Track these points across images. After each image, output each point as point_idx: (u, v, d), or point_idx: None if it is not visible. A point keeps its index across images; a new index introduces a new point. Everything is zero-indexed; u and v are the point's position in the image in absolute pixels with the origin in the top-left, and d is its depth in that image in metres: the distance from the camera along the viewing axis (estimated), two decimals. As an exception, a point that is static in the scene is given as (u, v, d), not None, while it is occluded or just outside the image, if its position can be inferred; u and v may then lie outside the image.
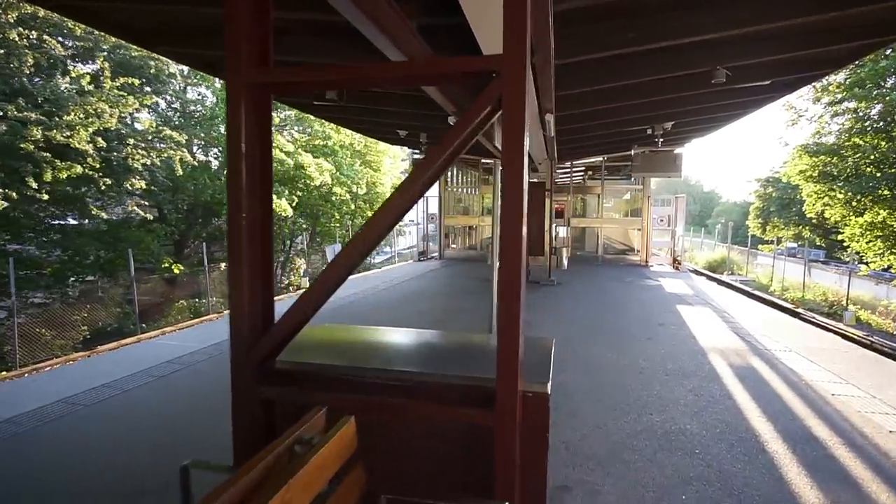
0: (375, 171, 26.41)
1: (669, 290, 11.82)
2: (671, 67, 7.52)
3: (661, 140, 12.20)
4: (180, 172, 16.52)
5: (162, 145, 16.15)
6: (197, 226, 20.67)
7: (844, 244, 20.60)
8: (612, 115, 10.73)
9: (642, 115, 10.33)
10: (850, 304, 17.64)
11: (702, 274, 20.06)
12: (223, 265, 17.42)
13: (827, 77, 15.72)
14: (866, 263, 19.05)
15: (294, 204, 19.53)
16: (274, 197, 2.32)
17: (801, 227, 42.08)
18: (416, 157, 19.03)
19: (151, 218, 17.35)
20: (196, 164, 18.36)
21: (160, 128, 16.58)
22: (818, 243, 42.32)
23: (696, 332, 7.53)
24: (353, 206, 24.05)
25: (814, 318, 14.21)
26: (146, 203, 16.95)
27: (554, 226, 17.72)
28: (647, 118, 10.91)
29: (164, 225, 18.72)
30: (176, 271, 17.46)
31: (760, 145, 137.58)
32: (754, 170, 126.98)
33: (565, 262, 12.25)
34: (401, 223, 17.48)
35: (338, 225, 25.43)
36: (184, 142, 16.96)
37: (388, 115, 10.39)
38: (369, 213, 28.95)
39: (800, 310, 15.48)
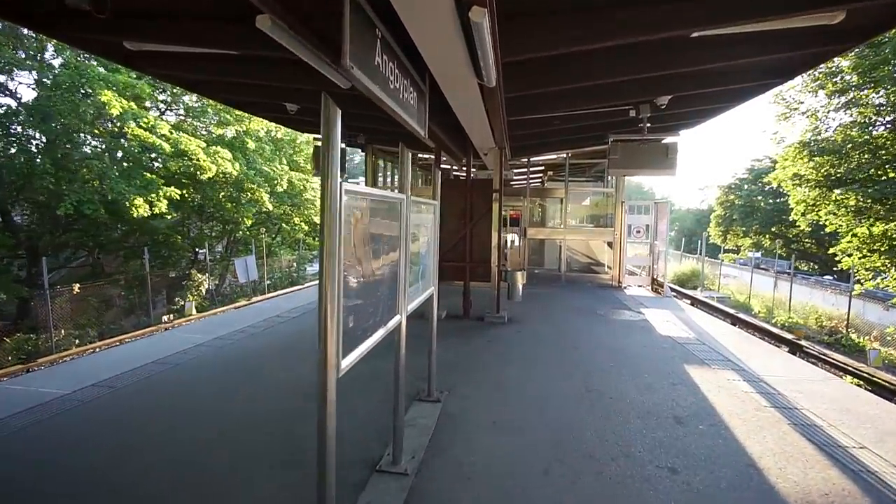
0: (295, 169, 22.48)
1: (661, 329, 8.59)
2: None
3: (649, 126, 9.05)
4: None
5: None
6: (60, 233, 16.17)
7: (836, 258, 18.19)
8: (584, 94, 7.61)
9: (625, 81, 7.15)
10: (850, 330, 15.12)
11: (677, 291, 17.17)
12: (78, 287, 13.15)
13: (833, 62, 13.23)
14: (860, 282, 16.65)
15: (179, 200, 15.38)
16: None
17: (762, 235, 40.94)
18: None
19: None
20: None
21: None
22: (780, 253, 41.21)
23: (745, 441, 4.21)
24: (271, 208, 20.01)
25: (831, 357, 11.37)
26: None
27: (509, 240, 14.43)
28: (632, 90, 7.74)
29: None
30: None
31: (713, 153, 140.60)
32: (707, 176, 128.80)
33: (520, 290, 8.82)
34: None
35: (258, 233, 21.36)
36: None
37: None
38: (298, 221, 25.02)
39: (803, 342, 12.70)
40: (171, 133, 14.38)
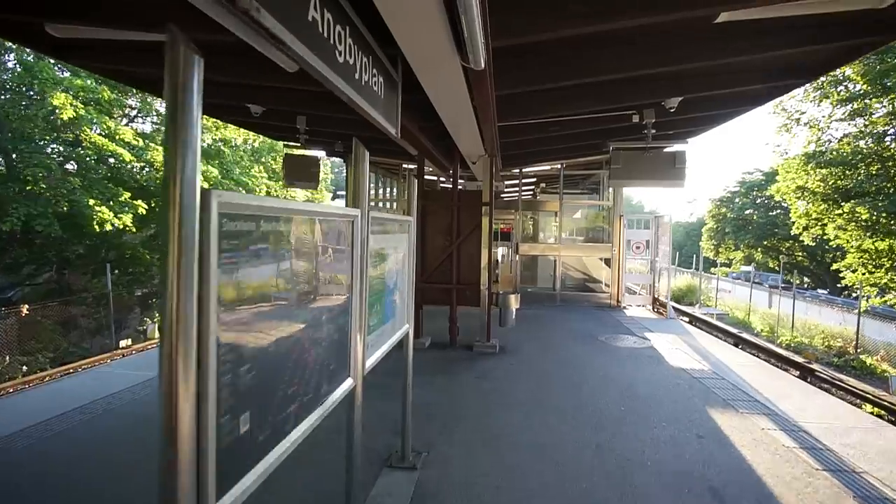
0: (275, 179, 21.42)
1: (672, 359, 7.66)
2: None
3: (654, 133, 8.20)
4: None
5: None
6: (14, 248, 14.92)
7: (840, 274, 17.44)
8: (585, 94, 6.78)
9: (631, 79, 6.33)
10: (860, 351, 14.32)
11: (678, 310, 16.28)
12: (26, 308, 11.97)
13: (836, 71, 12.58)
14: (866, 297, 15.90)
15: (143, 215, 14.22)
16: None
17: (754, 249, 40.48)
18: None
19: None
20: None
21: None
22: (774, 266, 40.79)
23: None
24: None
25: (848, 384, 10.50)
26: None
27: (499, 254, 13.53)
28: (639, 90, 6.91)
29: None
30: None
31: (701, 165, 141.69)
32: (695, 189, 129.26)
33: (513, 316, 7.84)
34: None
35: None
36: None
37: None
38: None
39: (814, 366, 11.84)
40: (137, 140, 13.29)
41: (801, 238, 16.97)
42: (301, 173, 8.94)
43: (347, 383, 2.44)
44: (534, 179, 16.82)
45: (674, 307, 12.26)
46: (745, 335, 15.39)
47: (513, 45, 4.54)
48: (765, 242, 37.74)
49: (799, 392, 6.47)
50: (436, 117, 6.00)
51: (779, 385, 6.65)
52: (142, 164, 13.41)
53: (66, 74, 12.96)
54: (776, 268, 39.81)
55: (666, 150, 8.42)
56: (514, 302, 7.72)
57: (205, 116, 17.08)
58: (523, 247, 12.99)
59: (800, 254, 38.75)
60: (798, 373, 11.56)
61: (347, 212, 2.40)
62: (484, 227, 7.70)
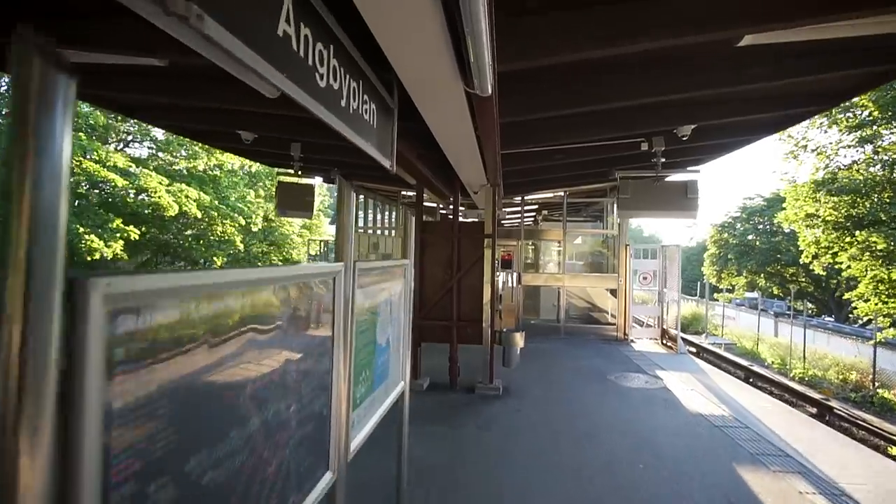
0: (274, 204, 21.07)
1: (689, 402, 7.13)
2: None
3: (663, 161, 7.85)
4: None
5: None
6: None
7: (851, 304, 16.93)
8: (594, 122, 6.47)
9: (643, 106, 6.00)
10: (878, 386, 13.72)
11: (686, 342, 15.74)
12: None
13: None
14: (879, 329, 15.34)
15: (141, 239, 13.81)
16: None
17: (756, 275, 40.01)
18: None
19: None
20: None
21: None
22: (776, 293, 40.30)
23: None
24: (241, 247, 18.47)
25: (872, 425, 9.91)
26: None
27: (500, 281, 13.13)
28: (650, 118, 6.58)
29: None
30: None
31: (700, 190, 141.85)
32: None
33: (517, 354, 7.35)
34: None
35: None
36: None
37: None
38: (276, 259, 23.50)
39: (832, 403, 11.27)
40: (131, 166, 12.97)
41: (811, 266, 16.45)
42: (294, 202, 8.56)
43: (325, 480, 1.96)
44: (535, 206, 16.48)
45: (683, 339, 11.75)
46: (756, 368, 14.82)
47: (518, 71, 4.18)
48: (768, 268, 37.30)
49: (832, 443, 5.94)
50: (436, 145, 5.62)
51: (808, 435, 6.11)
52: (135, 189, 13.04)
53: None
54: (780, 294, 39.37)
55: (676, 179, 8.06)
56: (518, 340, 7.23)
57: (197, 143, 16.83)
58: (526, 276, 12.53)
59: (804, 280, 38.29)
60: (816, 410, 11.01)
61: (327, 269, 1.96)
62: (486, 259, 7.27)
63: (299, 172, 8.57)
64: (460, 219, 7.84)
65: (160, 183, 13.35)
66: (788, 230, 37.11)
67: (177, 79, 5.39)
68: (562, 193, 12.62)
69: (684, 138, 6.70)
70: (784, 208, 16.83)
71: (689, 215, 7.76)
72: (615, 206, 8.05)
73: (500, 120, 4.66)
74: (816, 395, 11.65)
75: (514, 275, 12.39)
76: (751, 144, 8.45)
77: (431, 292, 7.44)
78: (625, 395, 7.40)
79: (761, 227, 38.26)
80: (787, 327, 27.66)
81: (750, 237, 38.44)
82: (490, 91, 2.92)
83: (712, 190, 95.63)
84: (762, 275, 39.17)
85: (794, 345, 22.21)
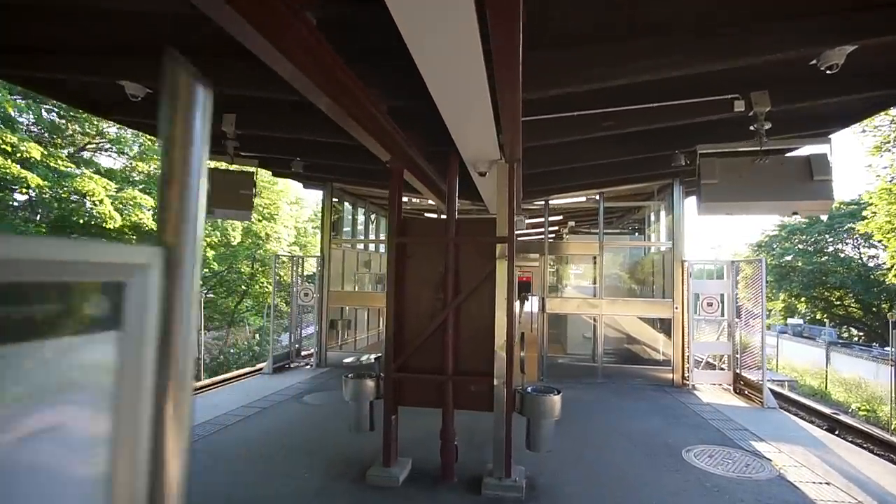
0: (265, 218, 18.76)
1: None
2: None
3: (768, 128, 5.21)
4: None
5: None
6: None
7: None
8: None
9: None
10: None
11: (781, 396, 12.59)
12: None
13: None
14: None
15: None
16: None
17: (796, 298, 36.50)
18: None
19: None
20: None
21: None
22: (819, 319, 36.82)
23: None
24: (216, 266, 16.06)
25: None
26: None
27: (516, 307, 10.48)
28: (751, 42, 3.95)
29: None
30: None
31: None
32: (717, 233, 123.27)
33: (551, 427, 4.52)
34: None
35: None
36: None
37: None
38: (265, 282, 21.07)
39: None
40: (61, 163, 10.59)
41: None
42: (226, 196, 6.00)
43: None
44: (559, 218, 13.79)
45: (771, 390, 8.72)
46: (842, 417, 11.79)
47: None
48: (812, 292, 33.84)
49: None
50: (418, 90, 3.13)
51: None
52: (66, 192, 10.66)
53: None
54: (824, 320, 35.77)
55: (792, 153, 5.37)
56: (553, 407, 4.45)
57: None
58: (552, 302, 9.76)
59: (852, 304, 34.79)
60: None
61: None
62: (500, 275, 4.57)
63: (233, 156, 6.03)
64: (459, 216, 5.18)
65: (105, 188, 10.98)
66: (832, 250, 33.94)
67: None
68: (596, 197, 9.93)
69: (832, 70, 4.00)
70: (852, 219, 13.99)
71: (819, 205, 5.05)
72: (699, 195, 5.34)
73: (523, 30, 2.14)
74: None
75: (537, 300, 9.66)
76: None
77: (414, 328, 4.76)
78: (721, 496, 4.57)
79: (801, 246, 34.84)
80: (842, 357, 24.25)
81: (788, 258, 35.06)
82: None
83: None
84: (803, 299, 35.73)
85: (863, 380, 18.99)
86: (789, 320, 36.32)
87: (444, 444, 4.64)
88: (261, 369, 10.31)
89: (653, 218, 11.65)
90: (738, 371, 8.84)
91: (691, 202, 9.57)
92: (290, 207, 21.58)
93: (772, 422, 7.12)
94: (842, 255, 33.88)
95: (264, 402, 7.42)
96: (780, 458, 5.59)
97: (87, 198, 10.72)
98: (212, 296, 21.55)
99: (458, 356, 4.68)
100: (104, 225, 10.87)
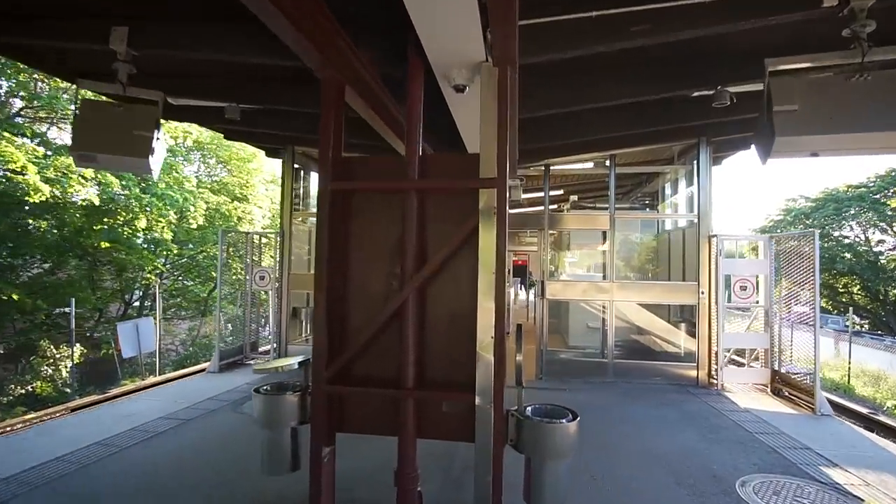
0: (237, 198, 17.09)
1: None
2: None
3: (870, 31, 3.61)
4: None
5: None
6: None
7: None
8: None
9: None
10: None
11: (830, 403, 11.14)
12: None
13: None
14: None
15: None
16: None
17: (800, 286, 35.25)
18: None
19: None
20: None
21: None
22: (824, 307, 35.59)
23: None
24: (175, 249, 14.48)
25: None
26: None
27: (511, 294, 9.04)
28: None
29: None
30: None
31: (722, 192, 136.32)
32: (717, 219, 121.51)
33: (563, 474, 2.94)
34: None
35: (150, 281, 15.63)
36: None
37: None
38: (238, 267, 19.38)
39: None
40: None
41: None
42: (111, 138, 4.34)
43: None
44: (560, 192, 12.20)
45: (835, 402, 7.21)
46: (882, 418, 10.41)
47: None
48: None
49: None
50: None
51: None
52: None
53: None
54: (828, 307, 34.52)
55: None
56: (566, 443, 2.90)
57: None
58: (553, 286, 8.19)
59: (857, 291, 33.62)
60: None
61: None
62: (485, 239, 2.97)
63: (125, 85, 4.37)
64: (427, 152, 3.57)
65: (23, 153, 9.23)
66: (838, 235, 32.62)
67: None
68: (606, 162, 8.32)
69: None
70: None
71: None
72: (766, 131, 3.74)
73: None
74: None
75: (536, 284, 8.12)
76: None
77: (359, 318, 3.18)
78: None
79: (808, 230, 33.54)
80: (857, 348, 22.85)
81: (794, 243, 33.71)
82: None
83: (735, 192, 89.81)
84: (807, 285, 34.51)
85: (883, 373, 17.87)
86: (795, 308, 35.02)
87: (401, 490, 3.08)
88: (204, 369, 8.72)
89: (668, 190, 10.09)
90: (776, 368, 7.33)
91: (719, 170, 8.00)
92: (267, 188, 19.86)
93: (833, 435, 5.62)
94: (846, 241, 32.63)
95: (191, 412, 5.84)
96: (871, 494, 4.08)
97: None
98: (189, 283, 19.95)
99: (423, 360, 3.10)
100: (28, 199, 9.15)
